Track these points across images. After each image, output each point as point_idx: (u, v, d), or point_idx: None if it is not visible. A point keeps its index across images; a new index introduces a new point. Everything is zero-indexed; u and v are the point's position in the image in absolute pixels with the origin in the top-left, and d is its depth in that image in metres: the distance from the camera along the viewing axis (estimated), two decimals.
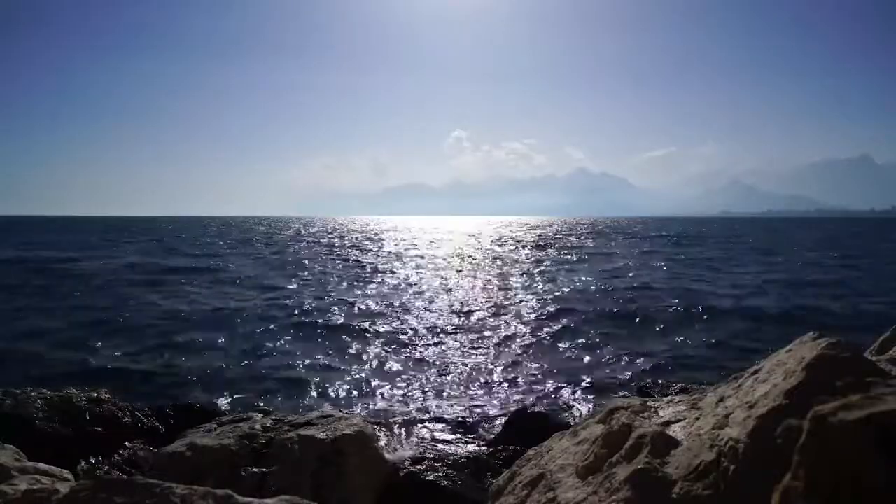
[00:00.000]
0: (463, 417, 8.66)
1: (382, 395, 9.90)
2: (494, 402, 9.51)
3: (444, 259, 38.05)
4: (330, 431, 4.32)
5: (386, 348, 13.04)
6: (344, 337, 14.11)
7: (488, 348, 12.96)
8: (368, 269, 30.57)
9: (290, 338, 13.97)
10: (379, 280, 25.86)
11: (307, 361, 11.98)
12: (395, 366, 11.62)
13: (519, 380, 10.69)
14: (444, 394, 9.87)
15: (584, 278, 26.15)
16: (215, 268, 30.32)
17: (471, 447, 6.87)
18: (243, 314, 17.07)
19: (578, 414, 8.60)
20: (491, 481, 3.65)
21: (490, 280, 25.71)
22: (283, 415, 4.87)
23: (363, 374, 11.07)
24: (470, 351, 12.73)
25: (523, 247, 50.95)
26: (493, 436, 6.82)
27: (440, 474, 4.39)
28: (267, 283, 24.43)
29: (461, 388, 10.19)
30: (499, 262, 35.04)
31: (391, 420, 8.49)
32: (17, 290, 21.16)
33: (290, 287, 22.96)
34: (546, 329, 14.92)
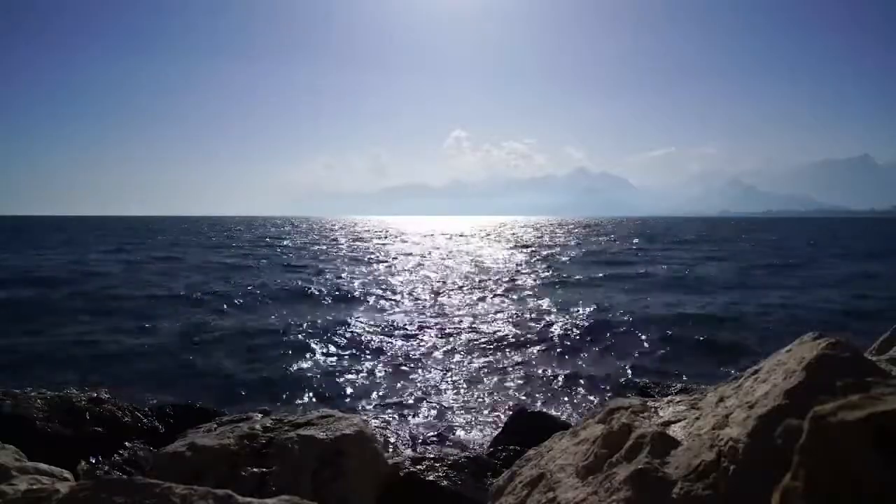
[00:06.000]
0: (463, 417, 8.67)
1: (382, 395, 9.90)
2: (495, 402, 9.51)
3: (445, 259, 38.04)
4: (330, 431, 4.31)
5: (386, 349, 13.04)
6: (344, 337, 14.10)
7: (488, 349, 12.96)
8: (369, 269, 30.56)
9: (289, 337, 13.97)
10: (378, 280, 25.85)
11: (307, 361, 11.98)
12: (394, 366, 11.62)
13: (519, 380, 10.69)
14: (445, 394, 9.87)
15: (583, 279, 26.14)
16: (214, 268, 30.33)
17: (471, 447, 6.88)
18: (242, 313, 17.06)
19: (578, 414, 8.60)
20: (491, 481, 3.65)
21: (490, 281, 25.70)
22: (283, 415, 4.86)
23: (363, 375, 11.07)
24: (470, 351, 12.73)
25: (523, 247, 50.95)
26: (493, 436, 6.82)
27: (440, 474, 4.38)
28: (265, 283, 24.41)
29: (461, 388, 10.19)
30: (498, 264, 35.03)
31: (391, 420, 8.50)
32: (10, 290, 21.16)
33: (289, 287, 22.94)
34: (546, 329, 14.91)
